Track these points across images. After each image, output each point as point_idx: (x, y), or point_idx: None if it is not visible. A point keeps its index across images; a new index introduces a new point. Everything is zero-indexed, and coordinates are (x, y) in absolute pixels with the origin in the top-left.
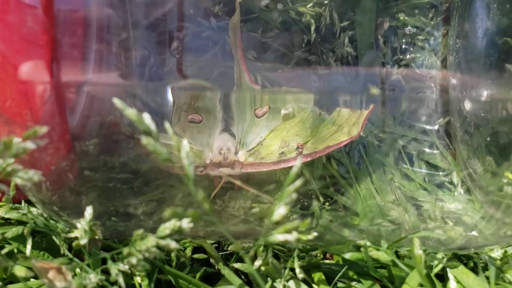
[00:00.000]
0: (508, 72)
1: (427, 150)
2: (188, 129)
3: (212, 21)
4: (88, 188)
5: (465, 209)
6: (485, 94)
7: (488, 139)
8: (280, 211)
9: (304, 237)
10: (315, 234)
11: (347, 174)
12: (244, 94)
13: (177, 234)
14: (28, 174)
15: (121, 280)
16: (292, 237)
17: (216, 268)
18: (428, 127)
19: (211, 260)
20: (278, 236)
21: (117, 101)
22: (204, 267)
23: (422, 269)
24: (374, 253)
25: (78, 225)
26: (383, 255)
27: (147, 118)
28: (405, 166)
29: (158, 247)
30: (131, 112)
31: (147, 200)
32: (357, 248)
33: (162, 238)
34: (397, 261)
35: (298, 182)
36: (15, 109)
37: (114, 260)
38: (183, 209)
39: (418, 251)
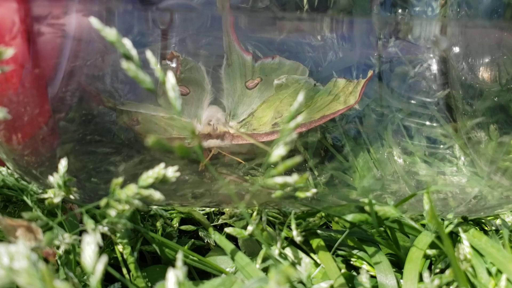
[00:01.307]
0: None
1: (427, 123)
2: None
3: None
4: (64, 139)
5: (469, 181)
6: (489, 59)
7: (493, 106)
8: (279, 151)
9: (303, 194)
10: (314, 190)
11: (343, 149)
12: (234, 65)
13: (161, 183)
14: None
15: (98, 237)
16: (291, 179)
17: (206, 241)
18: (427, 99)
19: (199, 232)
20: (277, 179)
21: (94, 21)
22: (193, 239)
23: (437, 224)
24: (380, 210)
25: (51, 178)
26: (391, 211)
27: (127, 42)
28: (404, 140)
29: (140, 199)
30: (109, 33)
31: (129, 158)
32: (360, 209)
33: (145, 188)
34: (405, 217)
35: (300, 118)
36: None
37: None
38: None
39: (429, 206)
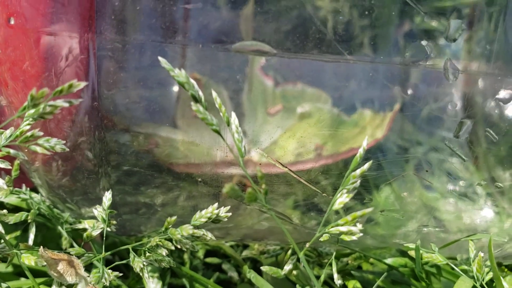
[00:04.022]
0: None
1: (448, 158)
2: (194, 125)
3: (223, 7)
4: (108, 169)
5: (492, 221)
6: None
7: None
8: (342, 199)
9: (348, 238)
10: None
11: (366, 183)
12: (255, 91)
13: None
14: (51, 142)
15: (146, 275)
16: (356, 228)
17: (228, 274)
18: (449, 134)
19: (223, 266)
20: (342, 228)
21: (162, 60)
22: (217, 272)
23: (496, 275)
24: (427, 256)
25: (95, 211)
26: (438, 258)
27: (195, 84)
28: (425, 175)
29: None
30: (179, 73)
31: (167, 194)
32: (401, 252)
33: (197, 227)
34: (452, 264)
35: (366, 166)
36: (33, 71)
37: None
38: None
39: (476, 254)
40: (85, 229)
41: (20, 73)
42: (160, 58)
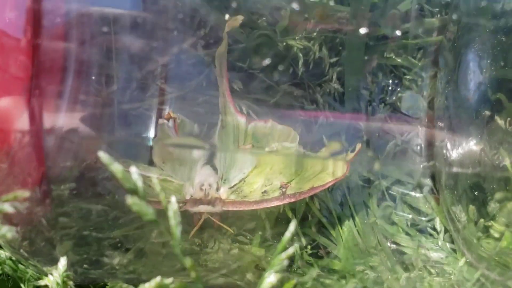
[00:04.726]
0: (497, 126)
1: (411, 193)
2: (169, 161)
3: (198, 49)
4: (62, 235)
5: (447, 259)
6: (472, 144)
7: (472, 188)
8: (270, 279)
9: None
10: None
11: (330, 215)
12: (228, 127)
13: None
14: (2, 230)
15: None
16: None
17: None
18: (413, 168)
19: None
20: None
21: (102, 155)
22: None
23: None
24: None
25: (50, 277)
26: None
27: (134, 173)
28: (388, 208)
29: None
30: (116, 169)
31: (124, 249)
32: None
33: None
34: None
35: (291, 250)
36: None
37: None
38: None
39: None
40: (46, 286)
41: None
42: (100, 153)
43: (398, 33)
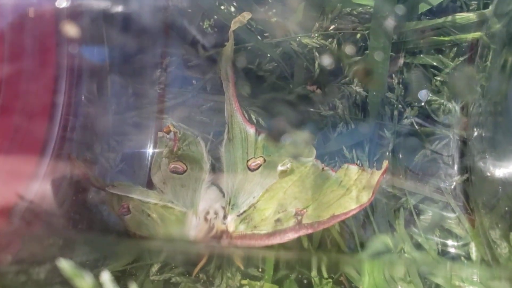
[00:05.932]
0: None
1: (442, 212)
2: (170, 182)
3: (200, 50)
4: None
5: None
6: None
7: None
8: None
9: None
10: None
11: (352, 240)
12: (236, 140)
13: None
14: None
15: None
16: None
17: None
18: (443, 184)
19: None
20: None
21: (64, 264)
22: None
23: None
24: None
25: None
26: None
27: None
28: (416, 231)
29: None
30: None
31: None
32: None
33: None
34: None
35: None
36: None
37: None
38: None
39: None
40: None
41: None
42: (62, 262)
43: (428, 29)
